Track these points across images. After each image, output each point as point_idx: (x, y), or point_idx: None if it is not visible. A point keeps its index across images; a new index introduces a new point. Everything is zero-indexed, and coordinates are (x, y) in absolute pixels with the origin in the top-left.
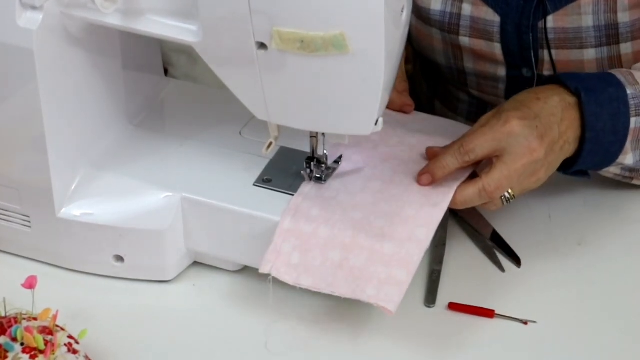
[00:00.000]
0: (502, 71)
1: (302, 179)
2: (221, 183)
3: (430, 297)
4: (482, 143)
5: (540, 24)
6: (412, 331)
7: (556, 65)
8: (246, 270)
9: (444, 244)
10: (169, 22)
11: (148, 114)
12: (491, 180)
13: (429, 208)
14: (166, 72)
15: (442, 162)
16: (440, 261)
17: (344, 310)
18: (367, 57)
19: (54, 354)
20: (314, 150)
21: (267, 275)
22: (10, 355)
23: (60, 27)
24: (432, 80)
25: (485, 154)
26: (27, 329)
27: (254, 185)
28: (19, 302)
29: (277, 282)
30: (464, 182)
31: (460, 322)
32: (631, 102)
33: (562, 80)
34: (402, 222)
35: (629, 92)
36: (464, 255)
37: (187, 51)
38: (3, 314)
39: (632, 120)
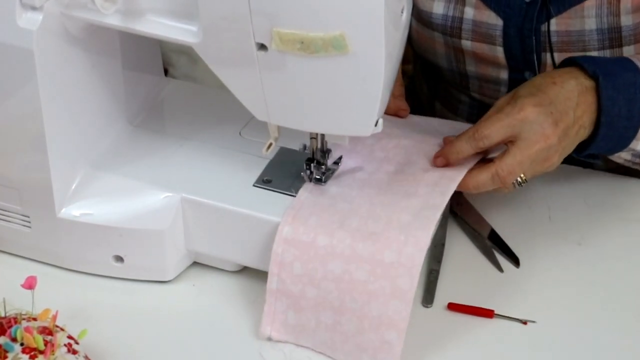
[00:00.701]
0: (504, 74)
1: (302, 180)
2: (221, 183)
3: (428, 297)
4: (497, 129)
5: (543, 27)
6: (411, 332)
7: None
8: (246, 271)
9: (443, 244)
10: (169, 23)
11: (148, 114)
12: (504, 165)
13: (417, 231)
14: (166, 72)
15: (457, 147)
16: (438, 261)
17: None
18: (367, 58)
19: (53, 354)
20: (313, 152)
21: (267, 275)
22: (10, 356)
23: (60, 27)
24: (432, 81)
25: (499, 140)
26: (26, 329)
27: (254, 185)
28: (18, 302)
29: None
30: (476, 167)
31: (459, 322)
32: None
33: (580, 62)
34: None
35: None
36: (462, 254)
37: (187, 51)
38: (3, 314)
39: None
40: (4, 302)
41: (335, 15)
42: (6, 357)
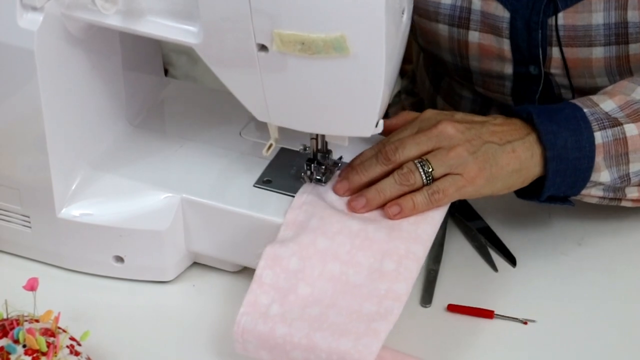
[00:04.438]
0: (509, 69)
1: (302, 181)
2: (221, 184)
3: (427, 297)
4: (410, 147)
5: (550, 21)
6: (411, 332)
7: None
8: (246, 271)
9: (442, 244)
10: (169, 24)
11: (148, 114)
12: (388, 141)
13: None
14: (166, 72)
15: (367, 166)
16: (437, 261)
17: None
18: (368, 60)
19: (56, 355)
20: (314, 152)
21: None
22: (13, 358)
23: (60, 28)
24: (435, 76)
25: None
26: (29, 331)
27: (254, 186)
28: (19, 302)
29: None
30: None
31: (459, 322)
32: (590, 117)
33: (514, 111)
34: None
35: (585, 110)
36: (461, 254)
37: (187, 52)
38: (5, 316)
39: (597, 134)
40: (6, 303)
41: (336, 16)
42: (9, 359)
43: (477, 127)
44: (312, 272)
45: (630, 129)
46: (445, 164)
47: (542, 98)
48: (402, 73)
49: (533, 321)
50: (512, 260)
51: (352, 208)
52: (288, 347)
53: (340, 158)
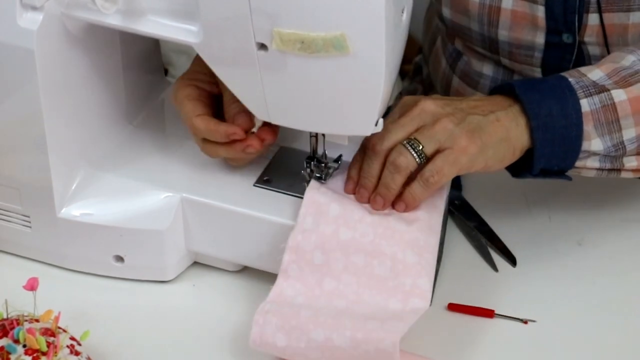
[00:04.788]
0: (540, 37)
1: (303, 180)
2: (221, 183)
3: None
4: (393, 131)
5: None
6: (411, 331)
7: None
8: (246, 271)
9: (442, 243)
10: (169, 23)
11: (148, 114)
12: (373, 135)
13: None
14: (166, 72)
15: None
16: (437, 260)
17: None
18: (368, 58)
19: (56, 355)
20: (314, 150)
21: (268, 274)
22: (13, 357)
23: (60, 27)
24: (453, 55)
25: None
26: (29, 331)
27: (254, 185)
28: (19, 301)
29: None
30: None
31: (460, 321)
32: (575, 86)
33: (496, 87)
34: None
35: (570, 79)
36: (462, 254)
37: (187, 51)
38: (5, 316)
39: (584, 102)
40: (6, 303)
41: (335, 15)
42: (9, 358)
43: (457, 103)
44: (337, 265)
45: (618, 94)
46: (434, 138)
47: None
48: (403, 74)
49: (533, 321)
50: (512, 260)
51: (375, 209)
52: (311, 326)
53: (340, 156)
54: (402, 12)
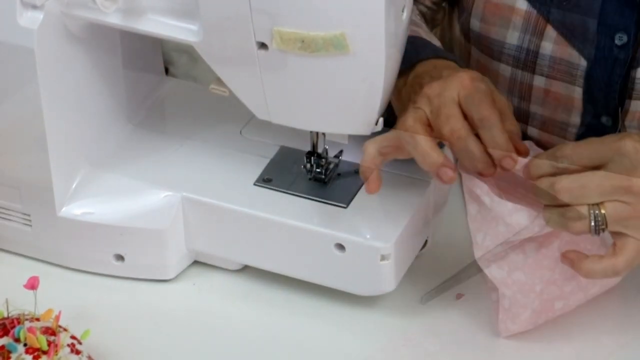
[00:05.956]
0: (576, 117)
1: (303, 178)
2: (221, 182)
3: (426, 296)
4: (581, 151)
5: (633, 73)
6: (411, 331)
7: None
8: (246, 270)
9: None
10: (169, 22)
11: (148, 114)
12: (564, 179)
13: None
14: (167, 71)
15: (536, 161)
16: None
17: (343, 309)
18: (368, 58)
19: (57, 354)
20: (314, 145)
21: (268, 273)
22: (13, 356)
23: (60, 26)
24: None
25: (580, 163)
26: (30, 330)
27: (255, 184)
28: (20, 300)
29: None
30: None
31: (460, 321)
32: None
33: None
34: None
35: None
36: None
37: (187, 50)
38: (5, 315)
39: None
40: (7, 302)
41: (335, 14)
42: (9, 357)
43: None
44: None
45: None
46: (621, 224)
47: None
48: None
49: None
50: None
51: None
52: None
53: (341, 151)
54: (403, 11)
